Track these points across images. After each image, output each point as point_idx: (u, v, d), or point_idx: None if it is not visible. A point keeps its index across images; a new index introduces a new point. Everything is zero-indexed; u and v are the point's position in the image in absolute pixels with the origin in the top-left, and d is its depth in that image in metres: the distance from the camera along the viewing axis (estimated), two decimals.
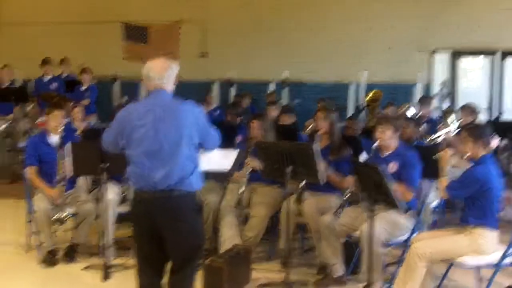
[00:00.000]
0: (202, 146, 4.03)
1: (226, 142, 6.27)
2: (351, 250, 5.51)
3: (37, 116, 10.07)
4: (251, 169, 5.92)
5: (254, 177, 5.96)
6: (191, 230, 3.89)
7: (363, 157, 5.69)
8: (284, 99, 12.47)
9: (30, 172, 6.03)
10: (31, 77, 11.85)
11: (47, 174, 5.98)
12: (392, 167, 5.16)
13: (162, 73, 3.96)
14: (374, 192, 4.48)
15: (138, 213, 3.99)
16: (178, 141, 3.81)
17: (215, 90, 12.86)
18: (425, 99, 9.54)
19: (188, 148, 3.85)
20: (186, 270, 3.95)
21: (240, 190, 5.86)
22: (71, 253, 5.97)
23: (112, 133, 4.04)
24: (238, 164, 5.44)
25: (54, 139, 6.06)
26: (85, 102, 10.28)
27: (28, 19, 15.17)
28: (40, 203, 5.82)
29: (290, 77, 12.91)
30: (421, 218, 5.47)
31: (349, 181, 5.17)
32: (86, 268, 5.74)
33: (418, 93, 11.73)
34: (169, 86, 4.00)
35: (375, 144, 5.26)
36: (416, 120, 6.82)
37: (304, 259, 6.07)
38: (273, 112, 8.12)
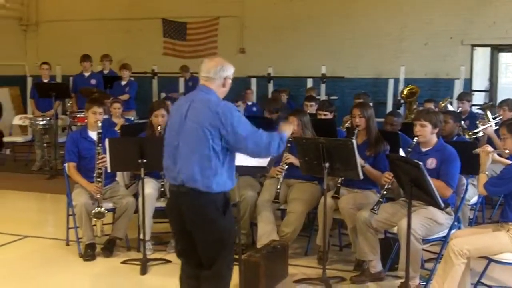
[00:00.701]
0: (235, 149, 3.88)
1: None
2: (389, 246, 5.48)
3: (76, 112, 10.23)
4: (287, 165, 5.91)
5: (292, 173, 5.95)
6: (211, 226, 3.87)
7: (401, 152, 5.62)
8: (322, 95, 12.41)
9: (70, 167, 6.12)
10: (71, 74, 12.01)
11: (86, 169, 6.06)
12: (431, 162, 5.09)
13: (210, 68, 3.96)
14: (413, 188, 4.42)
15: (169, 206, 4.08)
16: (194, 138, 3.79)
17: (253, 86, 12.87)
18: (465, 94, 9.38)
19: (209, 149, 3.77)
20: (216, 265, 3.95)
21: (277, 185, 5.85)
22: (110, 247, 6.05)
23: None
24: (275, 160, 5.44)
25: (93, 134, 6.13)
26: (125, 97, 10.38)
27: (67, 16, 15.41)
28: (80, 197, 5.90)
29: (328, 72, 12.85)
30: (460, 214, 5.40)
31: (387, 177, 5.11)
32: (125, 262, 5.80)
33: (458, 88, 11.55)
34: (214, 84, 3.96)
35: (414, 140, 5.19)
36: (456, 116, 6.69)
37: (341, 255, 6.05)
38: (311, 107, 8.08)
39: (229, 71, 4.02)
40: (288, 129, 4.26)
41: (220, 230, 3.91)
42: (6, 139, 11.73)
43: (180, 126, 3.86)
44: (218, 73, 3.97)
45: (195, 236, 3.91)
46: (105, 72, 11.51)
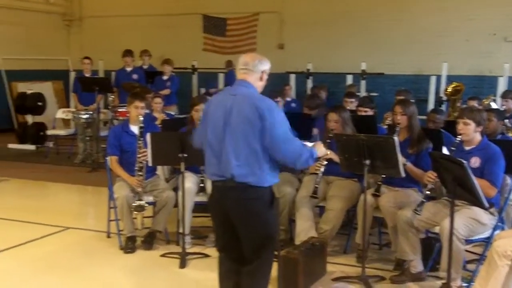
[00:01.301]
0: (268, 148, 3.83)
1: (303, 135, 6.28)
2: (430, 246, 5.40)
3: (118, 106, 10.35)
4: (326, 161, 5.88)
5: (331, 169, 5.91)
6: (259, 221, 3.89)
7: (444, 151, 5.54)
8: (362, 91, 12.32)
9: (112, 161, 6.19)
10: (113, 68, 12.17)
11: (128, 163, 6.12)
12: (475, 161, 5.00)
13: (248, 61, 3.99)
14: (456, 187, 4.35)
15: (212, 201, 4.08)
16: (242, 132, 3.80)
17: (292, 82, 12.85)
18: (509, 92, 9.19)
19: (254, 142, 3.79)
20: (258, 260, 3.97)
21: (316, 180, 5.82)
22: (150, 240, 6.11)
23: (201, 127, 4.14)
24: None
25: (134, 129, 6.19)
26: (166, 92, 10.47)
27: (110, 12, 15.63)
28: (121, 190, 5.97)
29: (368, 68, 12.75)
30: (504, 215, 5.29)
31: (430, 176, 5.04)
32: (164, 255, 5.85)
33: (502, 86, 11.34)
34: (252, 77, 3.98)
35: (457, 138, 5.11)
36: (499, 114, 6.57)
37: (381, 254, 5.99)
38: (351, 104, 8.03)
39: (266, 65, 4.05)
40: (321, 151, 4.20)
41: (267, 225, 3.93)
42: (49, 132, 11.93)
43: (225, 121, 3.87)
44: (256, 66, 3.99)
45: (241, 231, 3.92)
46: (145, 67, 11.63)
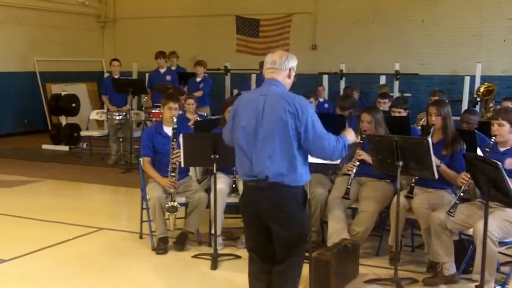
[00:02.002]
0: (306, 149, 3.88)
1: (336, 135, 6.25)
2: (463, 248, 5.33)
3: (151, 108, 10.43)
4: (359, 162, 5.85)
5: (364, 170, 5.88)
6: (292, 220, 3.89)
7: (478, 152, 5.46)
8: (395, 92, 12.23)
9: (145, 162, 6.24)
10: (146, 70, 12.27)
11: (161, 164, 6.16)
12: (510, 163, 4.93)
13: (275, 60, 3.98)
14: (490, 189, 4.29)
15: (244, 201, 4.07)
16: (275, 132, 3.80)
17: (325, 83, 12.81)
18: None
19: (287, 140, 3.80)
20: (289, 260, 3.96)
21: (348, 181, 5.79)
22: (182, 241, 6.14)
23: (228, 126, 4.14)
24: (348, 157, 5.38)
25: (168, 130, 6.23)
26: (199, 93, 10.52)
27: (143, 13, 15.79)
28: (154, 191, 6.01)
29: (401, 69, 12.65)
30: None
31: (464, 178, 4.97)
32: (196, 256, 5.88)
33: None
34: (281, 75, 3.98)
35: (492, 139, 5.03)
36: None
37: (413, 256, 5.94)
38: (385, 104, 7.97)
39: (293, 62, 4.04)
40: (350, 136, 4.19)
41: (300, 224, 3.93)
42: (83, 133, 12.08)
43: (257, 121, 3.87)
44: (283, 64, 3.98)
45: (274, 231, 3.92)
46: (173, 68, 11.70)
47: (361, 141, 5.89)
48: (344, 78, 13.20)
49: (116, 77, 10.88)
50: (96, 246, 6.32)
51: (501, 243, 4.85)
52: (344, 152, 4.01)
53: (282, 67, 3.98)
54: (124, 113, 10.51)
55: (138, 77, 12.14)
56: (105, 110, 11.65)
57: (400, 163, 4.99)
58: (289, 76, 4.03)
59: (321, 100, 10.96)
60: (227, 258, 5.78)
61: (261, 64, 12.66)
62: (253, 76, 12.71)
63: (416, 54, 13.03)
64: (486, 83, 10.99)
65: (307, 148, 3.87)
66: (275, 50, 4.15)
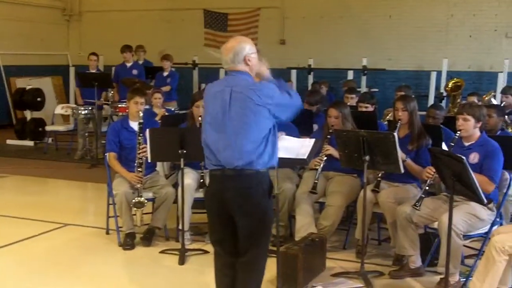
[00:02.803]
0: (279, 118, 3.91)
1: (303, 130, 6.27)
2: (429, 242, 5.40)
3: (117, 102, 10.33)
4: (326, 157, 5.87)
5: (331, 165, 5.91)
6: (256, 209, 3.88)
7: (444, 146, 5.53)
8: (363, 87, 12.31)
9: (110, 157, 6.18)
10: (112, 64, 12.15)
11: (127, 159, 6.12)
12: (474, 157, 5.00)
13: (226, 59, 3.94)
14: (455, 183, 4.35)
15: (210, 191, 4.06)
16: (243, 122, 3.79)
17: (293, 78, 12.83)
18: (509, 88, 9.18)
19: (256, 129, 3.80)
20: (252, 251, 3.94)
21: (316, 176, 5.81)
22: (149, 237, 6.10)
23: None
24: (315, 152, 5.41)
25: (134, 125, 6.17)
26: (166, 88, 10.47)
27: (109, 6, 15.62)
28: (120, 187, 5.96)
29: (369, 64, 12.74)
30: (502, 210, 5.30)
31: (429, 172, 5.04)
32: (163, 251, 5.85)
33: (501, 82, 11.32)
34: (240, 66, 3.92)
35: (457, 134, 5.10)
36: (499, 110, 6.56)
37: (380, 250, 6.00)
38: (352, 99, 8.02)
39: (245, 49, 3.93)
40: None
41: (264, 214, 3.92)
42: (48, 128, 11.93)
43: (224, 112, 3.85)
44: (235, 58, 3.91)
45: (239, 220, 3.90)
46: (140, 62, 11.61)
47: (329, 136, 5.92)
48: (312, 73, 13.24)
49: (93, 71, 10.75)
50: (62, 242, 6.24)
51: (466, 236, 4.93)
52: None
53: (235, 60, 3.91)
54: (90, 108, 10.38)
55: (105, 71, 11.99)
56: (71, 105, 11.50)
57: (367, 157, 5.04)
58: (247, 63, 3.93)
59: None
60: (195, 253, 5.77)
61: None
62: (222, 71, 12.65)
63: (383, 49, 13.13)
64: (454, 79, 11.12)
65: (281, 117, 3.92)
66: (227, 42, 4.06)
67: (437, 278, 5.08)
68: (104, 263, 5.64)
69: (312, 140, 4.82)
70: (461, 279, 4.99)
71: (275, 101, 3.83)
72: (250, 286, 4.01)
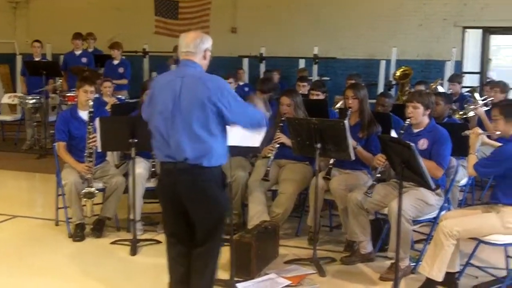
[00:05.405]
0: (231, 122, 3.89)
1: None
2: (379, 227, 5.49)
3: (66, 91, 10.14)
4: (278, 145, 5.89)
5: (283, 153, 5.93)
6: (211, 202, 3.87)
7: (393, 134, 5.62)
8: (314, 75, 12.37)
9: (59, 147, 6.07)
10: (61, 52, 11.91)
11: (77, 149, 6.02)
12: (423, 143, 5.10)
13: (189, 43, 3.92)
14: (404, 169, 4.42)
15: (162, 184, 4.02)
16: (193, 114, 3.76)
17: (245, 66, 12.81)
18: (456, 76, 9.37)
19: (206, 122, 3.77)
20: (209, 242, 3.95)
21: (268, 163, 5.82)
22: (99, 228, 6.03)
23: (146, 103, 4.08)
24: (267, 140, 5.42)
25: (83, 114, 6.07)
26: (123, 81, 10.37)
27: None
28: (69, 176, 5.86)
29: (320, 53, 12.80)
30: (450, 196, 5.41)
31: (380, 159, 5.11)
32: (114, 242, 5.79)
33: (449, 70, 11.55)
34: (197, 57, 3.93)
35: (406, 121, 5.18)
36: (447, 97, 6.70)
37: (332, 236, 6.07)
38: (304, 88, 8.06)
39: (208, 43, 3.99)
40: (259, 103, 4.23)
41: (219, 206, 3.93)
42: None
43: (174, 102, 3.81)
44: (198, 46, 3.93)
45: (193, 214, 3.89)
46: (90, 50, 11.42)
47: (281, 124, 5.94)
48: (264, 62, 13.24)
49: (38, 59, 10.51)
50: (10, 234, 6.12)
51: (415, 222, 5.04)
52: (267, 120, 4.07)
53: (197, 50, 3.92)
54: (39, 96, 10.16)
55: (53, 60, 11.74)
56: (18, 94, 11.24)
57: (319, 145, 5.08)
58: (204, 57, 3.98)
59: (241, 83, 10.96)
60: (146, 243, 5.72)
61: (175, 48, 12.58)
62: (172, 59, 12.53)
63: (334, 38, 13.19)
64: (403, 67, 11.26)
65: (236, 121, 3.88)
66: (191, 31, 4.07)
67: (388, 263, 5.17)
68: (54, 255, 5.54)
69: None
70: (411, 264, 5.10)
71: (226, 97, 3.78)
72: (206, 275, 4.00)
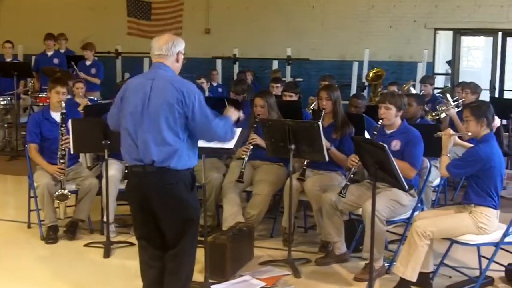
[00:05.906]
0: (196, 135, 3.89)
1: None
2: (353, 228, 5.52)
3: (38, 92, 10.03)
4: (252, 146, 5.89)
5: (257, 154, 5.93)
6: (180, 204, 3.86)
7: (366, 135, 5.66)
8: (288, 77, 12.42)
9: (31, 149, 6.00)
10: (33, 53, 11.78)
11: (50, 150, 5.96)
12: (396, 144, 5.14)
13: (162, 46, 3.92)
14: (378, 170, 4.45)
15: (131, 187, 4.01)
16: (161, 116, 3.75)
17: (218, 67, 12.80)
18: (428, 77, 9.48)
19: (173, 125, 3.76)
20: (181, 244, 3.93)
21: (242, 165, 5.82)
22: (72, 230, 5.97)
23: (115, 110, 4.04)
24: (241, 141, 5.41)
25: (56, 115, 6.01)
26: (96, 81, 10.27)
27: None
28: (42, 178, 5.80)
29: (293, 54, 12.85)
30: (423, 196, 5.47)
31: (353, 160, 5.14)
32: (88, 245, 5.74)
33: (421, 71, 11.68)
34: (169, 60, 3.93)
35: (379, 122, 5.22)
36: (419, 98, 6.77)
37: (306, 237, 6.09)
38: (277, 89, 8.08)
39: (181, 46, 4.00)
40: (234, 114, 4.25)
41: (189, 208, 3.91)
42: None
43: (144, 105, 3.80)
44: (170, 49, 3.93)
45: (162, 216, 3.88)
46: (62, 51, 11.31)
47: (255, 125, 5.94)
48: (237, 63, 13.25)
49: (9, 60, 10.37)
50: None
51: (389, 222, 5.07)
52: (234, 130, 4.08)
53: (169, 53, 3.92)
54: (10, 97, 10.03)
55: (25, 60, 11.60)
56: None
57: (293, 146, 5.09)
58: (177, 60, 3.98)
59: (215, 84, 10.95)
60: (120, 245, 5.69)
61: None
62: (146, 60, 12.47)
63: (307, 39, 13.25)
64: (375, 68, 11.36)
65: (196, 131, 3.86)
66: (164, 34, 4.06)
67: (362, 263, 5.19)
68: (26, 258, 5.48)
69: (239, 130, 4.83)
70: (385, 264, 5.14)
71: (192, 103, 3.76)
72: (180, 277, 3.99)
